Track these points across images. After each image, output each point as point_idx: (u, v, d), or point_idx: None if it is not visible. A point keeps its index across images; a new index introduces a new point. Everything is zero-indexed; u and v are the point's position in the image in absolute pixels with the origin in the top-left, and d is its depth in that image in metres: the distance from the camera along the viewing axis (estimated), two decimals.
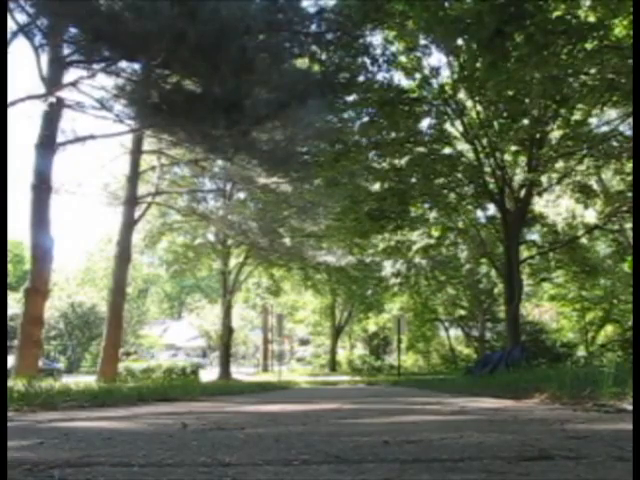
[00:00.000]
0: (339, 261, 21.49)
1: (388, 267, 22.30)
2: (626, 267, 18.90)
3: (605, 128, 13.89)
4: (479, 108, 13.35)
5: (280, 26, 10.28)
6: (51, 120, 9.15)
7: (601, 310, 22.97)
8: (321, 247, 19.59)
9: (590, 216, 17.61)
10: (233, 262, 21.43)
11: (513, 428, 1.28)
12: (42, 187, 8.89)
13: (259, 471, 0.76)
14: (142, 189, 15.43)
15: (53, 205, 9.08)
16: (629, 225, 15.77)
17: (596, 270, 19.49)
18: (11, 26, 8.31)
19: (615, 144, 13.06)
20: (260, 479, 0.71)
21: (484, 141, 13.76)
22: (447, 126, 14.69)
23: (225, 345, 22.55)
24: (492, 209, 16.41)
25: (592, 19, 10.78)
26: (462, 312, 27.58)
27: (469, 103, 13.69)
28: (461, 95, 13.67)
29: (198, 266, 24.68)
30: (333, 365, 32.68)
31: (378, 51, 12.90)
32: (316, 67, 12.19)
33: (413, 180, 15.23)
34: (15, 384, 3.27)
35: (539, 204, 16.80)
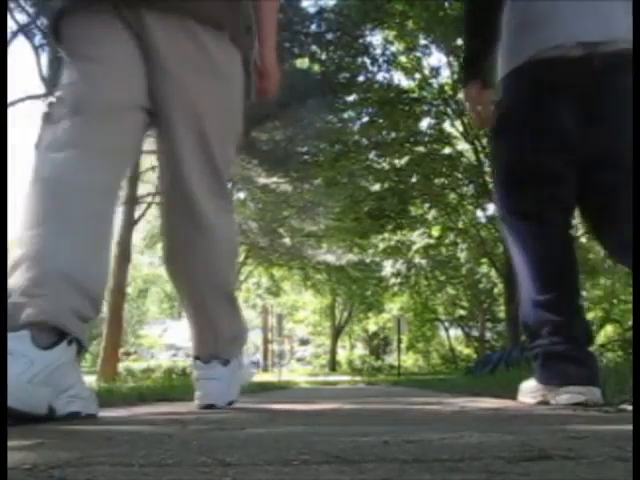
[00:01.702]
0: (339, 260, 21.50)
1: (388, 267, 22.32)
2: (626, 267, 18.88)
3: None
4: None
5: (280, 26, 10.30)
6: None
7: (601, 310, 22.97)
8: (321, 247, 19.60)
9: None
10: None
11: (513, 428, 1.28)
12: None
13: (259, 471, 0.76)
14: (142, 189, 15.43)
15: None
16: None
17: (596, 270, 19.50)
18: (11, 26, 8.34)
19: None
20: (260, 479, 0.71)
21: (484, 141, 13.76)
22: (447, 126, 14.70)
23: None
24: (492, 209, 16.43)
25: None
26: (462, 312, 27.61)
27: None
28: (461, 95, 13.68)
29: None
30: (333, 365, 32.70)
31: (378, 51, 12.95)
32: (316, 67, 12.21)
33: (413, 180, 15.25)
34: None
35: None
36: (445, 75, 13.87)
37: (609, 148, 1.77)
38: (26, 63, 10.81)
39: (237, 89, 1.62)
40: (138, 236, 18.50)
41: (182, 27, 1.47)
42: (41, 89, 9.04)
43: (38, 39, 9.07)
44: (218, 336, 1.79)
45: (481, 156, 14.13)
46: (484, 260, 19.22)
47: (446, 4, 11.37)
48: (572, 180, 1.83)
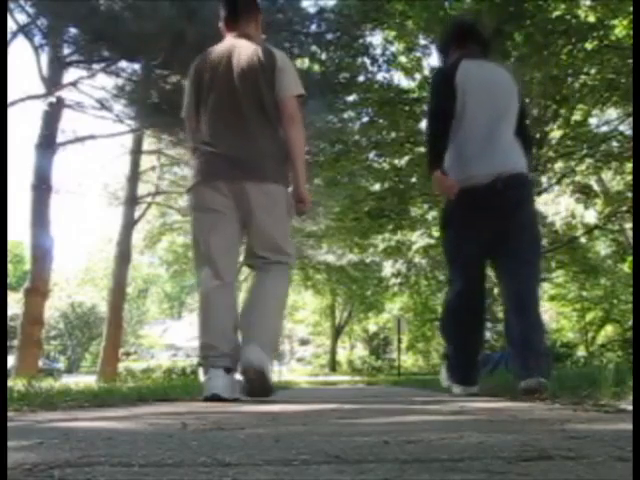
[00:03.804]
0: (339, 260, 21.48)
1: (388, 267, 22.29)
2: (626, 267, 18.88)
3: (605, 128, 13.89)
4: None
5: (280, 26, 10.28)
6: (51, 120, 9.15)
7: (601, 310, 22.96)
8: (321, 247, 19.58)
9: (590, 216, 17.61)
10: None
11: (513, 428, 1.28)
12: (42, 187, 8.89)
13: (259, 471, 0.76)
14: (142, 189, 15.43)
15: (53, 205, 9.09)
16: (629, 225, 15.76)
17: (596, 270, 19.49)
18: (11, 26, 8.32)
19: (615, 144, 13.06)
20: (260, 479, 0.71)
21: None
22: None
23: None
24: None
25: (592, 19, 10.78)
26: None
27: None
28: None
29: None
30: (333, 365, 32.70)
31: (378, 51, 12.89)
32: (316, 67, 12.18)
33: (413, 180, 15.22)
34: (15, 384, 3.26)
35: (538, 203, 16.82)
36: None
37: (512, 226, 2.91)
38: (26, 63, 10.79)
39: (284, 210, 2.81)
40: (138, 236, 18.49)
41: (261, 185, 2.72)
42: (41, 89, 9.02)
43: (38, 39, 9.05)
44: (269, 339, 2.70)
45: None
46: None
47: (446, 4, 11.35)
48: (485, 256, 3.06)
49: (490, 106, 2.99)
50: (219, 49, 2.86)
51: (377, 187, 15.98)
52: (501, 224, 2.91)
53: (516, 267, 2.89)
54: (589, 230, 17.04)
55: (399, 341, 21.34)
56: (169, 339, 44.68)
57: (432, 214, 17.05)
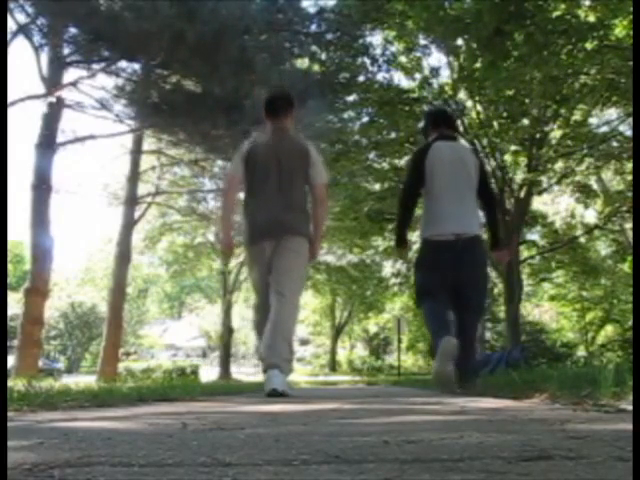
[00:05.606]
0: (339, 260, 21.45)
1: (388, 267, 22.29)
2: (626, 267, 18.88)
3: (605, 128, 13.88)
4: (479, 108, 13.33)
5: (280, 26, 10.29)
6: (51, 120, 9.15)
7: (601, 310, 22.94)
8: (321, 247, 19.57)
9: (590, 216, 17.61)
10: (233, 262, 21.44)
11: (513, 428, 1.28)
12: (42, 187, 8.88)
13: (259, 471, 0.76)
14: (142, 189, 15.43)
15: (53, 205, 9.08)
16: (629, 225, 15.75)
17: (596, 270, 19.47)
18: (11, 26, 8.32)
19: (615, 144, 13.06)
20: (260, 479, 0.71)
21: (484, 141, 13.74)
22: None
23: (225, 345, 22.56)
24: None
25: (592, 19, 10.78)
26: None
27: (469, 103, 13.68)
28: (461, 95, 13.65)
29: (198, 266, 24.69)
30: (333, 365, 32.70)
31: (378, 51, 12.88)
32: (316, 67, 12.18)
33: None
34: (15, 384, 3.26)
35: (538, 201, 16.82)
36: (445, 75, 13.81)
37: (466, 280, 3.88)
38: (26, 63, 10.79)
39: (306, 257, 3.84)
40: (138, 236, 18.49)
41: (293, 238, 3.73)
42: (41, 89, 9.02)
43: (38, 39, 9.04)
44: (282, 357, 3.44)
45: (481, 156, 14.06)
46: None
47: (446, 4, 11.34)
48: (448, 288, 3.90)
49: (453, 179, 3.94)
50: (267, 137, 3.88)
51: (377, 187, 15.97)
52: (457, 274, 3.87)
53: (463, 312, 3.88)
54: (589, 230, 17.04)
55: (399, 341, 21.33)
56: (169, 339, 44.70)
57: None
